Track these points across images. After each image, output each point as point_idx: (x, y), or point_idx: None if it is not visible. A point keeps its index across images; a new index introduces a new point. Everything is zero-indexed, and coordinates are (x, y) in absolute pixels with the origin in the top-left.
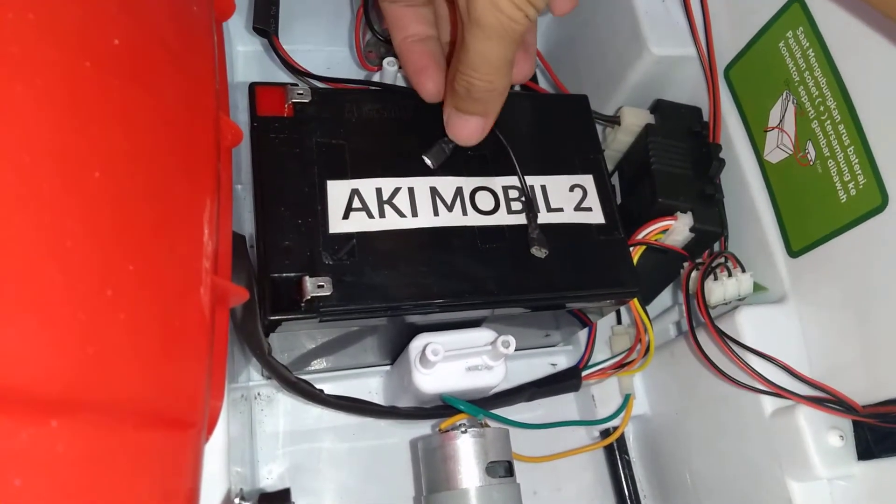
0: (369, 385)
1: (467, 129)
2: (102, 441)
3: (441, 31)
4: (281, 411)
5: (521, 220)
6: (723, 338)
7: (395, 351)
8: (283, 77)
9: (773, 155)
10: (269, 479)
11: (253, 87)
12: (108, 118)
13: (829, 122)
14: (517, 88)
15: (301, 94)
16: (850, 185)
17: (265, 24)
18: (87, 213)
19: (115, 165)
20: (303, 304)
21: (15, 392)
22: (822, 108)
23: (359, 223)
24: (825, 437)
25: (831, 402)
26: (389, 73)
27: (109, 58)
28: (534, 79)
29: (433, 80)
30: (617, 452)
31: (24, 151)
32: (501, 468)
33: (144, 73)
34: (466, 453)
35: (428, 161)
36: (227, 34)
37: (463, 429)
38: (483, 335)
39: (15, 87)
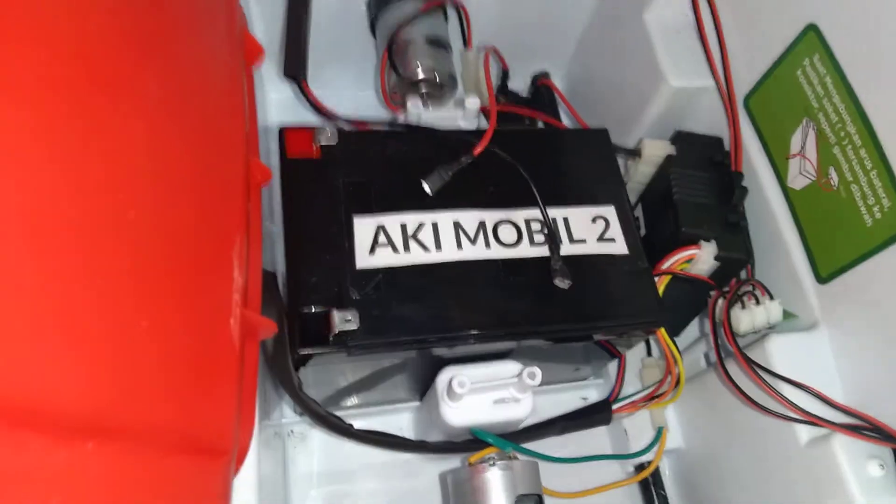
0: (399, 422)
1: None
2: (135, 465)
3: None
4: (314, 449)
5: (544, 251)
6: (752, 367)
7: (424, 386)
8: (314, 119)
9: (797, 181)
10: None
11: (283, 131)
12: (144, 161)
13: (850, 146)
14: (539, 124)
15: (329, 136)
16: (875, 209)
17: (295, 70)
18: (124, 250)
19: (149, 205)
20: (331, 338)
21: (55, 413)
22: (842, 134)
23: (385, 258)
24: (864, 466)
25: (868, 429)
26: (413, 113)
27: (143, 101)
28: (556, 115)
29: None
30: (653, 488)
31: (68, 196)
32: (531, 501)
33: (178, 118)
34: (496, 486)
35: (426, 186)
36: (259, 81)
37: (492, 462)
38: (509, 367)
39: (64, 135)
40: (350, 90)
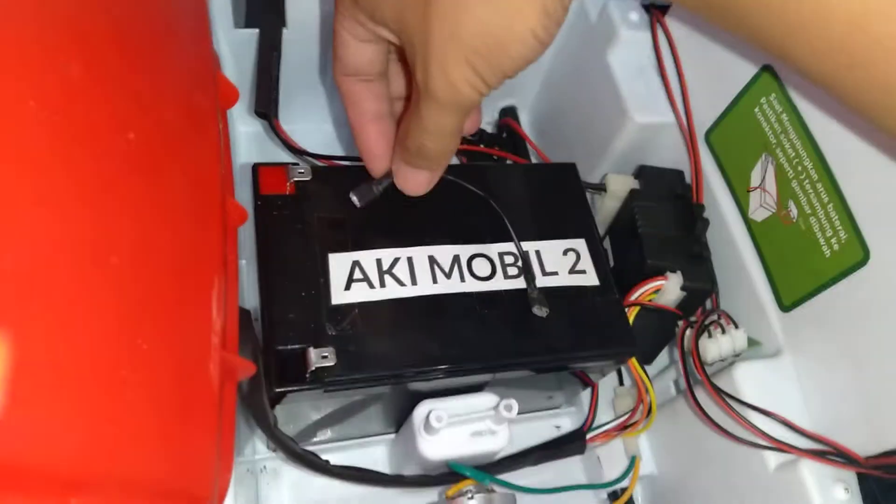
0: (375, 454)
1: (417, 181)
2: None
3: (395, 106)
4: (286, 485)
5: (518, 284)
6: (721, 395)
7: (400, 419)
8: (284, 154)
9: (758, 213)
10: None
11: (256, 168)
12: (123, 208)
13: (807, 180)
14: (508, 162)
15: (302, 172)
16: (833, 241)
17: (266, 107)
18: (102, 297)
19: (129, 251)
20: (308, 375)
21: (34, 472)
22: (799, 168)
23: (360, 293)
24: (830, 490)
25: (833, 454)
26: None
27: (125, 152)
28: (523, 154)
29: (386, 164)
30: None
31: (43, 242)
32: None
33: (156, 163)
34: None
35: (354, 199)
36: (230, 116)
37: (469, 495)
38: (486, 400)
39: (36, 184)
40: (321, 124)
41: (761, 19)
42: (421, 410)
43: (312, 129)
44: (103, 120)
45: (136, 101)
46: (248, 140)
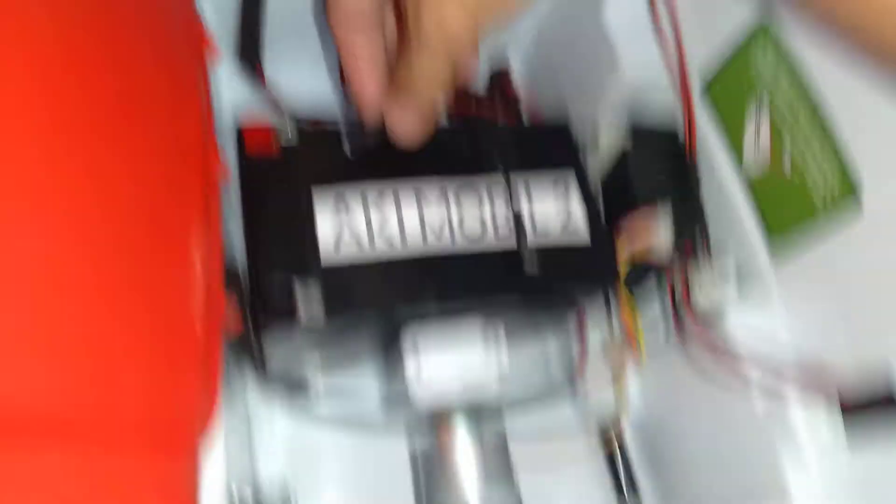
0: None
1: (407, 127)
2: (100, 460)
3: (389, 53)
4: (280, 436)
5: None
6: (711, 342)
7: (390, 356)
8: (270, 115)
9: (752, 168)
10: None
11: (240, 129)
12: (106, 153)
13: (801, 135)
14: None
15: (288, 132)
16: (825, 192)
17: (250, 60)
18: (86, 238)
19: (112, 194)
20: (294, 312)
21: (9, 415)
22: (794, 123)
23: (349, 250)
24: (817, 430)
25: (822, 398)
26: None
27: (104, 103)
28: (516, 114)
29: (379, 112)
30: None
31: (31, 188)
32: (501, 472)
33: (132, 100)
34: (465, 459)
35: (346, 149)
36: (214, 79)
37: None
38: (476, 334)
39: (19, 134)
40: (308, 82)
41: None
42: (408, 339)
43: (301, 86)
44: (80, 73)
45: (113, 55)
46: (233, 101)
